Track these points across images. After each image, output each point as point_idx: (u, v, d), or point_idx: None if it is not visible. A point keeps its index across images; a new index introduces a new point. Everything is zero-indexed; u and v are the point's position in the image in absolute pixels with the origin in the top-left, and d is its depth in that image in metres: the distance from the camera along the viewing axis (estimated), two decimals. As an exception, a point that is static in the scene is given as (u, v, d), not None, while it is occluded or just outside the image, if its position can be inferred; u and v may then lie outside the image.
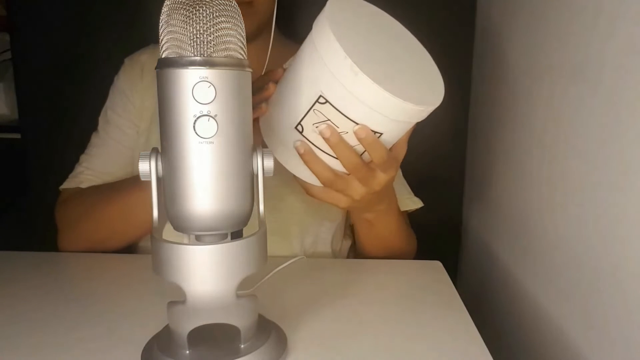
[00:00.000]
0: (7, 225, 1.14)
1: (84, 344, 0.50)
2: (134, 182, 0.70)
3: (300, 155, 0.54)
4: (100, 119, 0.80)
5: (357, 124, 0.51)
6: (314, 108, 0.51)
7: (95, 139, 0.80)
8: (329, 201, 0.60)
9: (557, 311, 0.62)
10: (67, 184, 0.79)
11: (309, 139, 0.54)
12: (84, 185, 0.78)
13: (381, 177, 0.58)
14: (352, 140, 0.53)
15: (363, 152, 0.55)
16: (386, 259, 0.76)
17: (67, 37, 1.02)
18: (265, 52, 0.68)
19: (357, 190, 0.58)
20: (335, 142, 0.52)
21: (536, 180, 0.70)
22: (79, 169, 0.79)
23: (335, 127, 0.52)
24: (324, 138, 0.52)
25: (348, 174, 0.57)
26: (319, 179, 0.56)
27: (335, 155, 0.54)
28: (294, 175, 0.59)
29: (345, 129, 0.52)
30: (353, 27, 0.51)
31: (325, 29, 0.48)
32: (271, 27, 0.67)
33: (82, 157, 0.80)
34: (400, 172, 0.83)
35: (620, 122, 0.49)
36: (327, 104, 0.50)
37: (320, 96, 0.50)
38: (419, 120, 0.53)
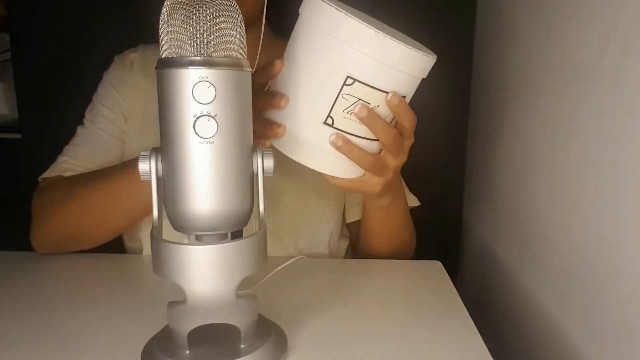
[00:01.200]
0: (7, 225, 1.14)
1: (84, 343, 0.50)
2: (123, 167, 0.68)
3: (338, 147, 0.53)
4: (87, 113, 0.79)
5: (387, 92, 0.52)
6: (342, 93, 0.50)
7: (80, 130, 0.78)
8: (366, 189, 0.60)
9: (557, 311, 0.62)
10: (48, 174, 0.75)
11: (341, 129, 0.53)
12: (66, 175, 0.74)
13: (407, 145, 0.59)
14: (382, 113, 0.54)
15: (392, 121, 0.56)
16: (389, 256, 0.76)
17: (67, 37, 1.02)
18: (255, 47, 0.68)
19: (392, 165, 0.59)
20: (373, 118, 0.52)
21: (536, 180, 0.70)
22: (61, 158, 0.76)
23: (368, 105, 0.52)
24: (360, 119, 0.52)
25: (380, 152, 0.57)
26: (361, 165, 0.56)
27: (368, 137, 0.54)
28: (324, 176, 0.58)
29: (377, 102, 0.52)
30: (343, 8, 0.51)
31: (330, 10, 0.48)
32: (261, 23, 0.66)
33: (66, 148, 0.77)
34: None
35: (620, 122, 0.49)
36: (356, 82, 0.50)
37: (348, 77, 0.50)
38: (425, 75, 0.56)
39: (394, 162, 0.59)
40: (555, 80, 0.64)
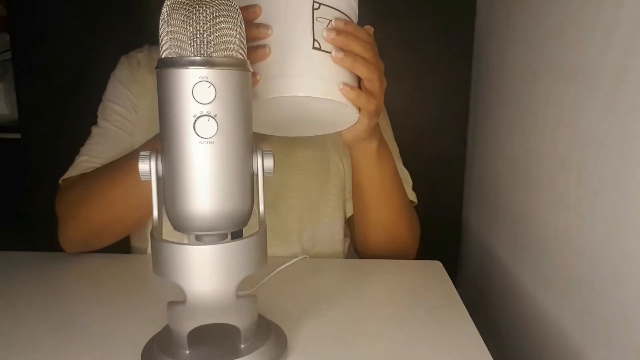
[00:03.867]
0: (7, 225, 1.15)
1: (84, 343, 0.50)
2: (132, 159, 0.68)
3: (340, 59, 0.55)
4: (99, 113, 0.80)
5: (344, 13, 0.56)
6: (315, 17, 0.54)
7: (95, 130, 0.79)
8: (371, 107, 0.60)
9: (557, 311, 0.62)
10: (68, 174, 0.76)
11: (328, 51, 0.55)
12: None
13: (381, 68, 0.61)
14: None
15: None
16: (389, 249, 0.76)
17: (67, 37, 1.02)
18: None
19: (383, 82, 0.60)
20: (352, 29, 0.55)
21: (536, 180, 0.70)
22: (80, 158, 0.77)
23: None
24: (340, 30, 0.55)
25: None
26: (363, 71, 0.57)
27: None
28: (341, 133, 0.63)
29: None
30: None
31: None
32: None
33: (82, 149, 0.78)
34: (401, 164, 0.84)
35: (620, 122, 0.49)
36: (322, 6, 0.54)
37: (314, 2, 0.54)
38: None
39: (383, 80, 0.60)
40: (556, 80, 0.64)
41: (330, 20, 0.55)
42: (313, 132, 0.67)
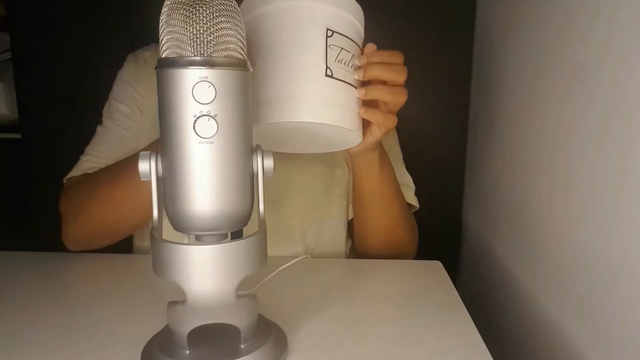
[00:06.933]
0: (8, 225, 1.15)
1: (84, 344, 0.50)
2: (134, 161, 0.69)
3: (364, 95, 0.57)
4: (104, 111, 0.80)
5: (353, 40, 0.57)
6: (328, 44, 0.54)
7: (100, 129, 0.80)
8: (390, 124, 0.61)
9: (557, 311, 0.62)
10: (72, 174, 0.77)
11: (340, 79, 0.56)
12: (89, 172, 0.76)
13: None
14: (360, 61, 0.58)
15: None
16: (387, 253, 0.76)
17: (67, 37, 1.02)
18: None
19: (404, 98, 0.61)
20: (379, 57, 0.57)
21: (536, 180, 0.70)
22: (84, 157, 0.78)
23: (348, 52, 0.56)
24: (369, 53, 0.57)
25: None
26: (389, 97, 0.59)
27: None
28: (349, 150, 0.64)
29: (353, 51, 0.57)
30: None
31: None
32: None
33: (88, 147, 0.79)
34: (404, 168, 0.84)
35: (620, 122, 0.49)
36: (334, 34, 0.55)
37: (327, 29, 0.54)
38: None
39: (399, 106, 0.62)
40: (556, 81, 0.64)
41: (342, 49, 0.55)
42: (310, 150, 0.67)
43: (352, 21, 0.57)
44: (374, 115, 0.59)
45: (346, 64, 0.56)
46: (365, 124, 0.61)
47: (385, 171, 0.72)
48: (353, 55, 0.57)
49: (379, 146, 0.69)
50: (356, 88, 0.58)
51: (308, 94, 0.54)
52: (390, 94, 0.58)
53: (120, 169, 0.71)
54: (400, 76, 0.59)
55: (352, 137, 0.60)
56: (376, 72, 0.57)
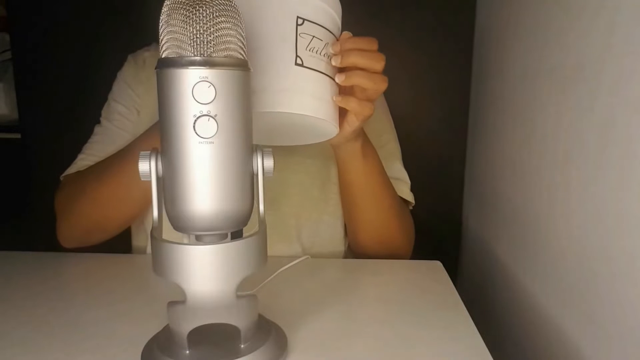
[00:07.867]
0: (8, 225, 1.15)
1: (84, 344, 0.50)
2: (126, 156, 0.69)
3: (344, 81, 0.56)
4: (103, 111, 0.81)
5: (327, 28, 0.56)
6: (299, 32, 0.53)
7: (97, 129, 0.80)
8: (367, 112, 0.60)
9: (557, 311, 0.62)
10: (68, 171, 0.78)
11: (311, 67, 0.54)
12: None
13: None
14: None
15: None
16: (380, 250, 0.75)
17: (67, 36, 1.02)
18: None
19: (383, 85, 0.60)
20: (352, 44, 0.56)
21: (536, 180, 0.70)
22: (80, 156, 0.78)
23: (320, 40, 0.55)
24: (343, 40, 0.56)
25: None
26: (367, 84, 0.58)
27: (330, 74, 0.57)
28: (330, 141, 0.61)
29: (326, 39, 0.56)
30: None
31: None
32: None
33: (85, 147, 0.79)
34: (400, 164, 0.84)
35: (620, 122, 0.49)
36: (305, 22, 0.54)
37: (297, 17, 0.53)
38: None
39: (377, 93, 0.60)
40: (556, 81, 0.64)
41: (313, 38, 0.54)
42: (296, 142, 0.66)
43: (325, 9, 0.56)
44: (350, 103, 0.58)
45: (319, 52, 0.55)
46: (342, 113, 0.60)
47: (370, 162, 0.71)
48: (327, 44, 0.56)
49: (361, 136, 0.67)
50: (330, 77, 0.57)
51: (278, 83, 0.54)
52: (370, 81, 0.57)
53: (106, 165, 0.72)
54: (378, 63, 0.58)
55: (328, 128, 0.59)
56: (353, 59, 0.56)
